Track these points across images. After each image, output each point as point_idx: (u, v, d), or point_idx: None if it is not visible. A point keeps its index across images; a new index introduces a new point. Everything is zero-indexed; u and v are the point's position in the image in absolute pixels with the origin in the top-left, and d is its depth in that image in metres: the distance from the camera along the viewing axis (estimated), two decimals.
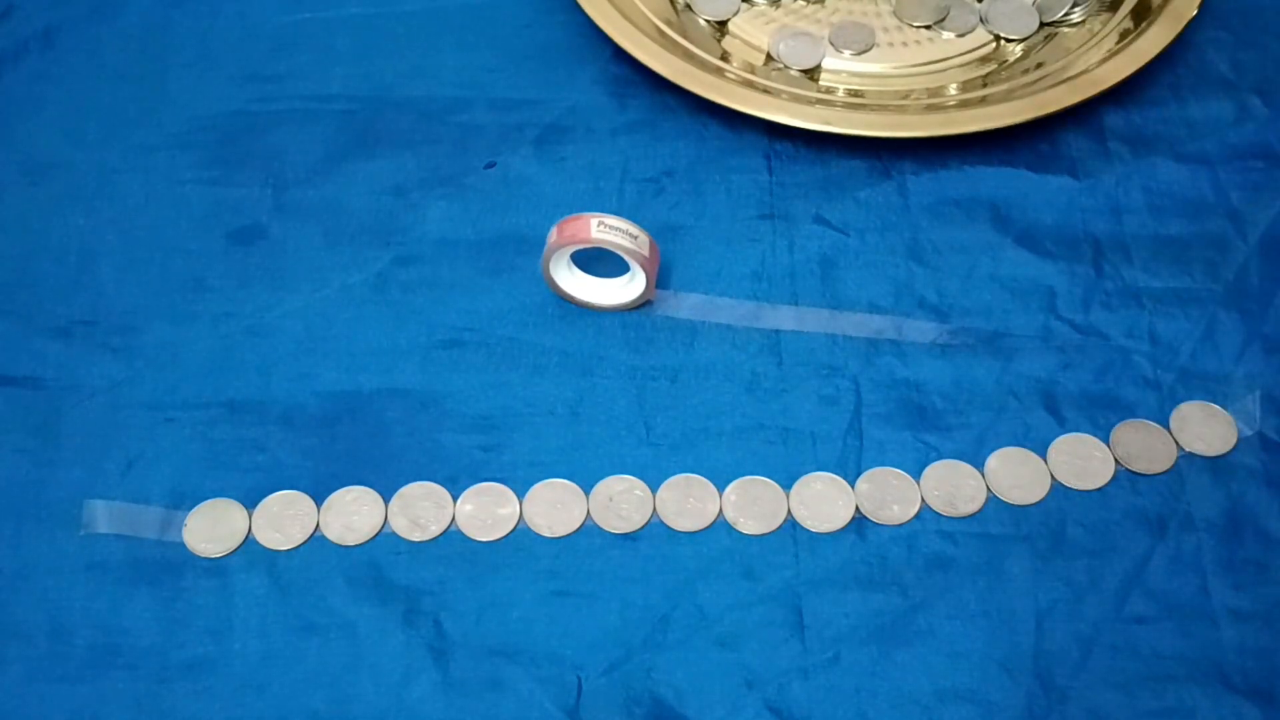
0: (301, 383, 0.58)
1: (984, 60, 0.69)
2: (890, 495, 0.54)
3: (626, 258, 0.57)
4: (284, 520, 0.54)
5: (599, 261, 0.59)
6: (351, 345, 0.59)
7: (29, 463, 0.56)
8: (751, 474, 0.55)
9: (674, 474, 0.55)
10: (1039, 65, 0.67)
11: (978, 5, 0.70)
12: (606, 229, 0.56)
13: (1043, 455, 0.55)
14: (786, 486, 0.55)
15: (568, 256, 0.58)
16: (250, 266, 0.62)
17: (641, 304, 0.60)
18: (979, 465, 0.55)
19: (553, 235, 0.57)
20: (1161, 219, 0.62)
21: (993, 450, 0.56)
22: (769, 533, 0.54)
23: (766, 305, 0.60)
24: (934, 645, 0.51)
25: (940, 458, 0.55)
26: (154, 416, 0.57)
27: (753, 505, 0.54)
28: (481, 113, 0.67)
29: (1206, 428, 0.56)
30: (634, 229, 0.57)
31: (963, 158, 0.64)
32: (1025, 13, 0.70)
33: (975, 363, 0.58)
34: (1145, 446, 0.55)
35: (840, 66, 0.69)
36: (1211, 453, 0.55)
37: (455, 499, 0.54)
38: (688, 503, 0.54)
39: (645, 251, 0.57)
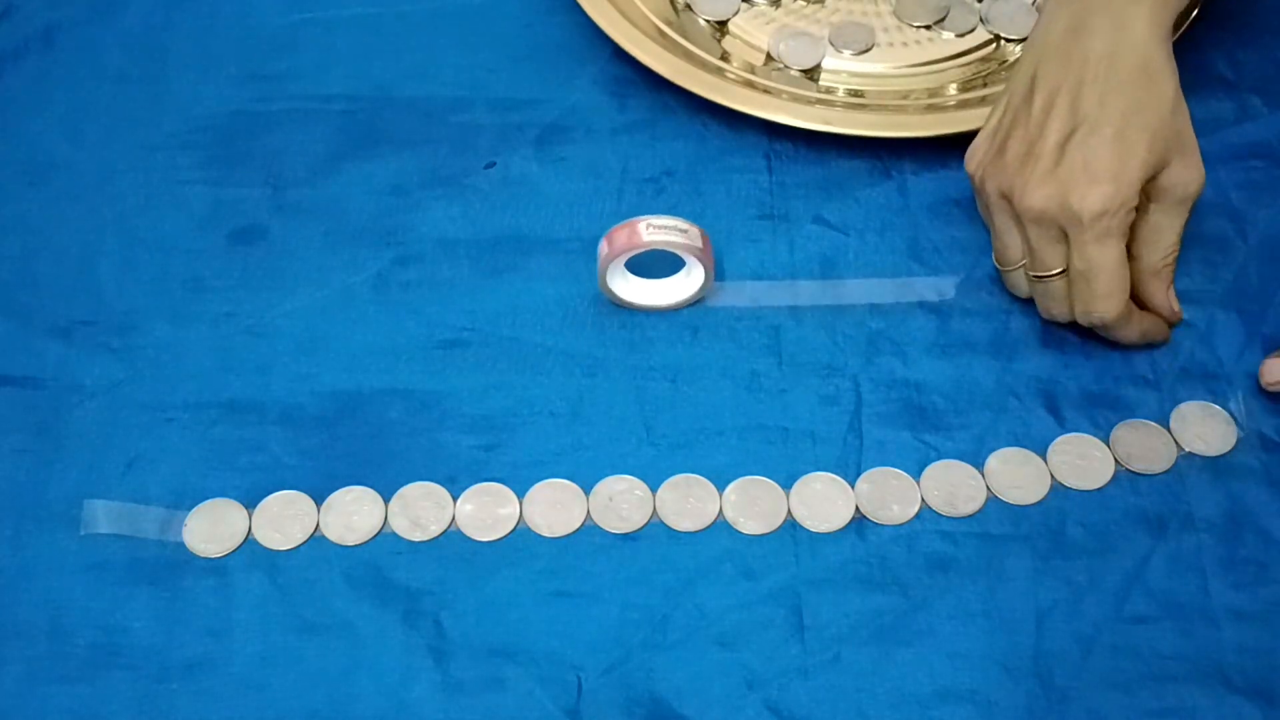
0: (301, 383, 0.58)
1: (984, 60, 0.69)
2: (890, 495, 0.54)
3: (681, 253, 0.57)
4: (284, 520, 0.54)
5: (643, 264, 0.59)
6: (351, 345, 0.59)
7: (29, 463, 0.56)
8: (751, 474, 0.55)
9: (674, 474, 0.55)
10: None
11: (978, 5, 0.70)
12: (655, 229, 0.56)
13: (1043, 455, 0.55)
14: (786, 486, 0.55)
15: (623, 265, 0.58)
16: (250, 266, 0.62)
17: (702, 296, 0.60)
18: (979, 465, 0.55)
19: (603, 248, 0.57)
20: None
21: (993, 450, 0.56)
22: (769, 533, 0.54)
23: (829, 282, 0.60)
24: (934, 645, 0.51)
25: (940, 458, 0.55)
26: (154, 416, 0.57)
27: (753, 505, 0.54)
28: (481, 113, 0.67)
29: (1206, 427, 0.56)
30: (682, 223, 0.57)
31: (963, 158, 0.64)
32: (1025, 13, 0.70)
33: (975, 363, 0.58)
34: (1145, 446, 0.55)
35: (840, 66, 0.69)
36: (1211, 452, 0.55)
37: (455, 499, 0.54)
38: (688, 503, 0.54)
39: (699, 244, 0.57)
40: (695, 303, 0.60)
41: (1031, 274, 0.56)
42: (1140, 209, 0.54)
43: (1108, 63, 0.53)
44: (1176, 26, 0.64)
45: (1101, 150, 0.52)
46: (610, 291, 0.59)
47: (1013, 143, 0.55)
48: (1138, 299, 0.57)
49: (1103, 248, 0.53)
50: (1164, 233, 0.55)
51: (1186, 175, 0.54)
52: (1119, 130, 0.53)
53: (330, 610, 0.52)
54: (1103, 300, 0.54)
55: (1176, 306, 0.57)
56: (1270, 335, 0.58)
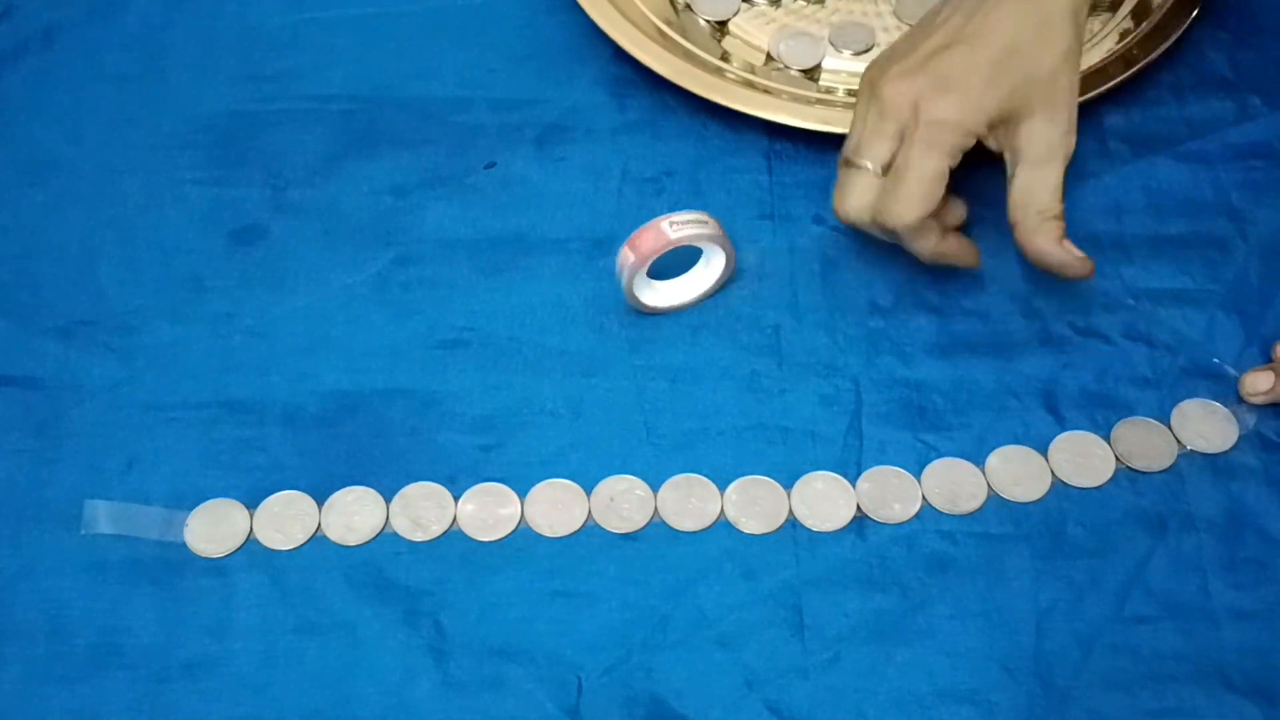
0: (301, 383, 0.58)
1: None
2: (891, 494, 0.54)
3: (705, 244, 0.57)
4: (285, 520, 0.54)
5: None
6: (351, 345, 0.59)
7: (29, 463, 0.56)
8: (751, 474, 0.55)
9: (675, 474, 0.55)
10: None
11: None
12: (679, 226, 0.56)
13: (1043, 454, 0.55)
14: (787, 486, 0.55)
15: (645, 272, 0.58)
16: (250, 266, 0.62)
17: (725, 281, 0.60)
18: (980, 464, 0.55)
19: (627, 256, 0.56)
20: (1161, 219, 0.62)
21: (992, 450, 0.56)
22: (769, 532, 0.54)
23: (829, 282, 0.61)
24: (934, 645, 0.51)
25: (940, 458, 0.55)
26: (154, 416, 0.57)
27: (753, 505, 0.54)
28: (481, 113, 0.67)
29: (1207, 425, 0.56)
30: (699, 215, 0.57)
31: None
32: None
33: (975, 363, 0.58)
34: (1146, 444, 0.55)
35: (840, 66, 0.69)
36: (1212, 450, 0.55)
37: (456, 499, 0.54)
38: (689, 503, 0.54)
39: (718, 231, 0.57)
40: (720, 290, 0.60)
41: (845, 157, 0.56)
42: (1011, 176, 0.55)
43: (1014, 4, 0.54)
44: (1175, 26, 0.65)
45: (968, 70, 0.53)
46: (638, 300, 0.58)
47: (902, 40, 0.56)
48: (1035, 260, 0.56)
49: (925, 154, 0.53)
50: (1035, 192, 0.55)
51: (1050, 133, 0.54)
52: (993, 60, 0.53)
53: (330, 610, 0.52)
54: (902, 204, 0.54)
55: (1078, 253, 0.56)
56: (1269, 335, 0.58)
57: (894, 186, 0.54)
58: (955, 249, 0.57)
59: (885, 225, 0.55)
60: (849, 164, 0.55)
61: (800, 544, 0.53)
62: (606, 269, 0.59)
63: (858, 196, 0.55)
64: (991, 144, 0.55)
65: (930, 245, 0.56)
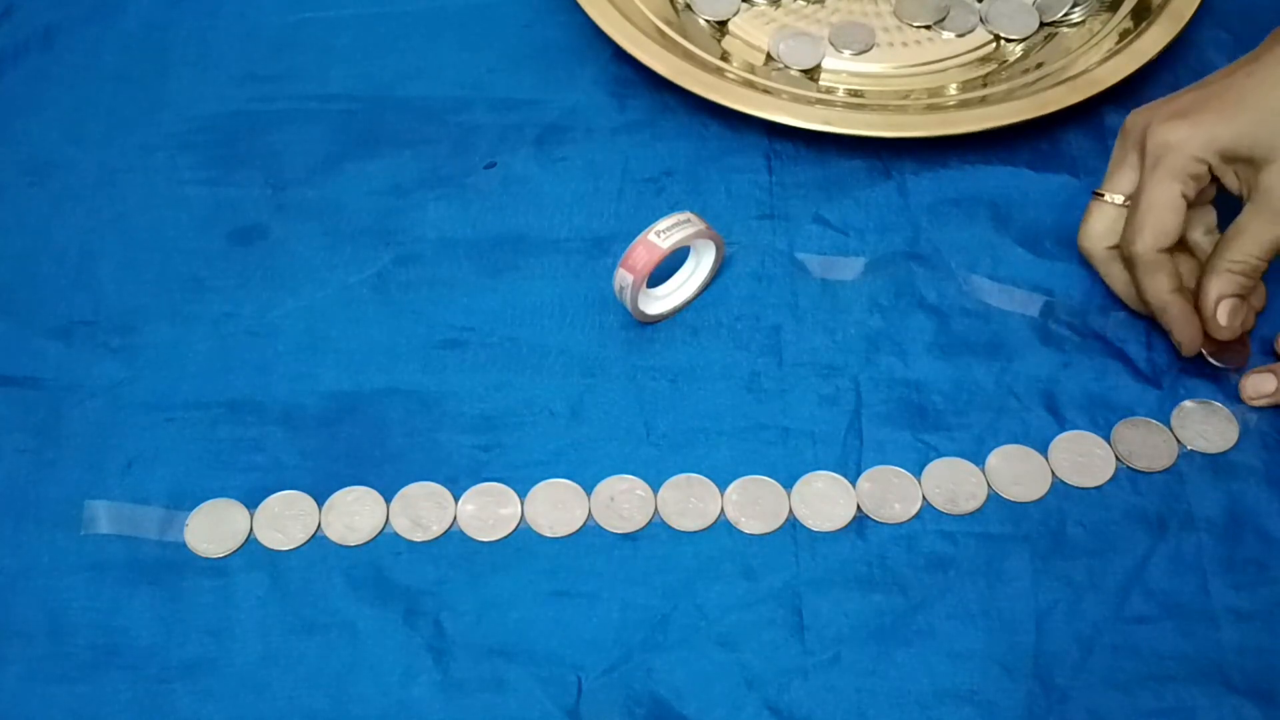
0: (301, 383, 0.58)
1: (984, 60, 0.69)
2: (892, 493, 0.54)
3: (694, 242, 0.57)
4: (285, 520, 0.54)
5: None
6: (351, 345, 0.59)
7: (29, 463, 0.56)
8: (751, 474, 0.55)
9: (675, 474, 0.55)
10: (1039, 65, 0.67)
11: (978, 5, 0.70)
12: (666, 233, 0.56)
13: (1044, 453, 0.55)
14: (787, 486, 0.55)
15: (644, 284, 0.58)
16: (250, 266, 0.62)
17: (719, 265, 0.60)
18: (980, 464, 0.55)
19: (625, 277, 0.56)
20: None
21: (992, 450, 0.56)
22: (769, 532, 0.54)
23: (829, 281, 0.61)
24: (934, 645, 0.51)
25: (940, 457, 0.55)
26: (154, 416, 0.57)
27: (754, 505, 0.54)
28: (481, 113, 0.67)
29: (1208, 425, 0.56)
30: (681, 216, 0.57)
31: (963, 158, 0.64)
32: (1025, 13, 0.70)
33: (975, 363, 0.58)
34: (1146, 444, 0.55)
35: (840, 66, 0.69)
36: (1213, 449, 0.55)
37: (456, 499, 0.54)
38: (689, 502, 0.54)
39: (703, 225, 0.57)
40: (714, 278, 0.60)
41: (1095, 191, 0.57)
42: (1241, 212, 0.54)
43: None
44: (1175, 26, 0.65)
45: (1206, 100, 0.53)
46: (643, 314, 0.58)
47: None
48: (1199, 303, 0.55)
49: (1154, 179, 0.53)
50: (1243, 238, 0.53)
51: None
52: (1239, 97, 0.53)
53: (331, 610, 0.52)
54: (1133, 229, 0.54)
55: (1225, 321, 0.54)
56: (1269, 335, 0.58)
57: (1131, 214, 0.54)
58: (1178, 310, 0.55)
59: (1123, 253, 0.55)
60: (1096, 197, 0.56)
61: (800, 544, 0.53)
62: (606, 269, 0.59)
63: (1094, 224, 0.56)
64: (1231, 182, 0.54)
65: (1157, 289, 0.55)
